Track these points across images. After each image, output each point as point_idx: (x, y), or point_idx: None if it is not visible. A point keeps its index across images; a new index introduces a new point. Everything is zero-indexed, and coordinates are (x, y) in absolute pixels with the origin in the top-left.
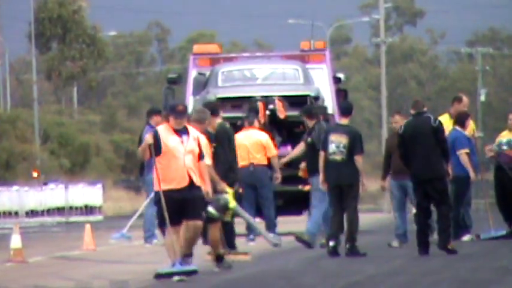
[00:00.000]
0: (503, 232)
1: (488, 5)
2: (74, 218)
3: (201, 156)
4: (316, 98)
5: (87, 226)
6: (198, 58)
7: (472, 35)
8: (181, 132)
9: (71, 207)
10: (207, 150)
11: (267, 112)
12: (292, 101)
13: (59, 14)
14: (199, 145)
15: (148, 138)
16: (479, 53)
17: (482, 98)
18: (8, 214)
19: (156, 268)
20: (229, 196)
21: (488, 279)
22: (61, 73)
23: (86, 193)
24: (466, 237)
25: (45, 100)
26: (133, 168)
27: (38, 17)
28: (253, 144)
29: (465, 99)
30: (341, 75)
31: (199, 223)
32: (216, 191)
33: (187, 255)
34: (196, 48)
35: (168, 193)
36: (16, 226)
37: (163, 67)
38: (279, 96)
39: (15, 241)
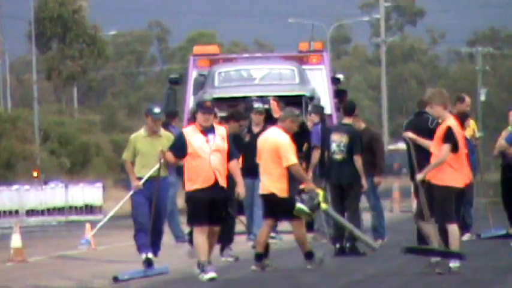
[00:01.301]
0: (504, 231)
1: (488, 5)
2: (74, 218)
3: (231, 155)
4: (311, 98)
5: (87, 225)
6: (198, 59)
7: (472, 34)
8: (207, 131)
9: (71, 207)
10: (292, 150)
11: None
12: (288, 101)
13: (59, 14)
14: (228, 144)
15: (169, 157)
16: (480, 53)
17: (483, 97)
18: (8, 213)
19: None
20: (320, 197)
21: (488, 279)
22: (61, 73)
23: (86, 193)
24: (466, 237)
25: (45, 100)
26: None
27: (38, 17)
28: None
29: (467, 99)
30: (340, 76)
31: (217, 229)
32: (302, 190)
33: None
34: (196, 49)
35: (194, 193)
36: (16, 225)
37: (164, 67)
38: (274, 96)
39: (16, 240)
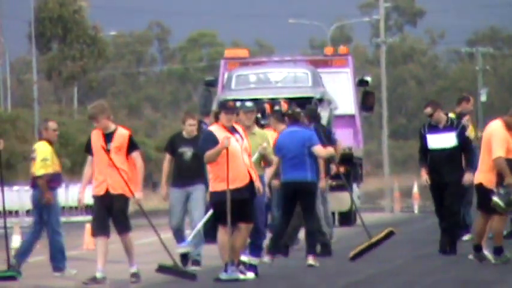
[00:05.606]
0: (504, 231)
1: (488, 5)
2: (74, 218)
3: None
4: (321, 100)
5: (87, 226)
6: (228, 62)
7: (472, 34)
8: (232, 130)
9: (71, 207)
10: (503, 143)
11: None
12: (299, 103)
13: (60, 14)
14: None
15: (225, 141)
16: (480, 53)
17: (484, 97)
18: (8, 213)
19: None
20: None
21: (488, 279)
22: (61, 73)
23: (86, 193)
24: (466, 237)
25: (46, 100)
26: None
27: (39, 17)
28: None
29: (472, 99)
30: (368, 78)
31: (251, 226)
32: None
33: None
34: (227, 52)
35: (228, 193)
36: (16, 226)
37: (164, 67)
38: (284, 98)
39: (16, 241)
